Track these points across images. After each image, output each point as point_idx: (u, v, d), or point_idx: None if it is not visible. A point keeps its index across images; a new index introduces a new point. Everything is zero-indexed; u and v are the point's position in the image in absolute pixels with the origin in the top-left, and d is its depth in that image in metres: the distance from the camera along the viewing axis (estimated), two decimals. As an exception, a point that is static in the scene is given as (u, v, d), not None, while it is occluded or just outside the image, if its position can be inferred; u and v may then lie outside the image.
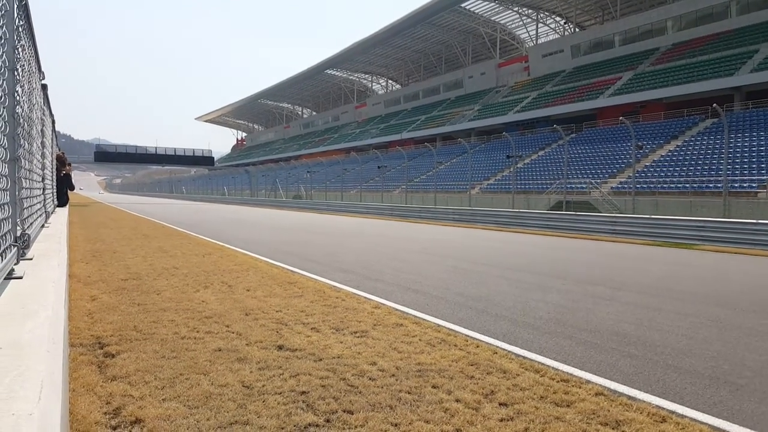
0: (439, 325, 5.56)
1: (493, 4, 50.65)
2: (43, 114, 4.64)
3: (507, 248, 15.16)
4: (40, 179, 3.85)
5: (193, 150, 75.21)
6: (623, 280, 9.20)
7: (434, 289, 7.83)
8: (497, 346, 4.86)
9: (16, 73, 1.96)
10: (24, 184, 2.43)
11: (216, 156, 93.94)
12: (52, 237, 3.44)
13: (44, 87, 4.55)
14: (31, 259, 2.35)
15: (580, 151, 36.08)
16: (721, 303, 7.36)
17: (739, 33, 36.50)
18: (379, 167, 46.28)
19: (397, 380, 3.82)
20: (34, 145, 3.17)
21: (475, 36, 57.80)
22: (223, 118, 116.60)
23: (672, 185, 26.44)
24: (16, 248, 1.97)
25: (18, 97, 2.08)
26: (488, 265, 11.06)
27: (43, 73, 4.00)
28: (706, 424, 3.29)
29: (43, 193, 4.29)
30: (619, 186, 28.71)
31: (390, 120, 68.99)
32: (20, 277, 1.92)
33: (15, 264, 2.00)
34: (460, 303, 6.90)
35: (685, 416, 3.39)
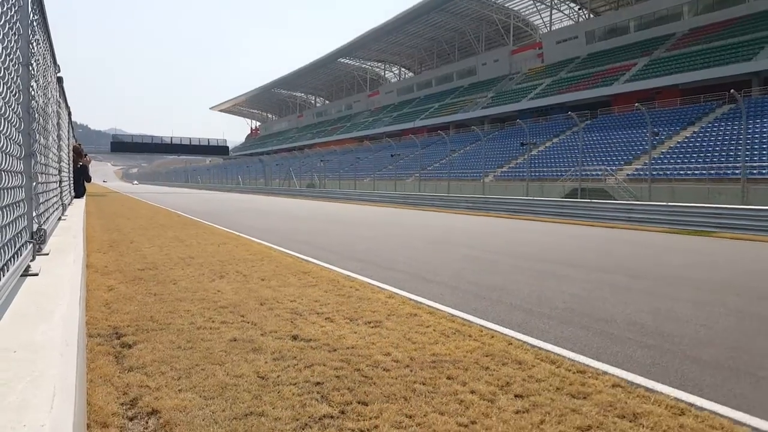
0: (453, 315, 5.54)
1: (506, -12, 49.98)
2: (59, 107, 4.66)
3: (521, 236, 15.06)
4: (57, 172, 3.86)
5: (208, 140, 75.56)
6: (640, 269, 9.10)
7: (448, 279, 7.80)
8: (512, 337, 4.83)
9: (30, 68, 1.95)
10: (40, 179, 2.43)
11: (230, 145, 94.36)
12: (69, 230, 3.44)
13: (60, 80, 4.56)
14: (47, 254, 2.34)
15: (594, 138, 35.63)
16: (740, 292, 7.25)
17: (757, 17, 35.66)
18: (392, 155, 46.14)
19: (411, 371, 3.81)
20: (50, 138, 3.17)
21: (488, 23, 57.12)
22: (237, 107, 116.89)
23: (689, 172, 26.03)
24: (32, 245, 1.96)
25: (33, 92, 2.07)
26: (502, 253, 11.00)
27: (58, 66, 4.00)
28: (725, 417, 3.25)
29: (59, 186, 4.32)
30: (635, 173, 28.34)
31: (403, 108, 68.66)
32: (36, 274, 1.91)
33: (31, 260, 1.99)
34: (474, 292, 6.87)
35: (704, 409, 3.35)
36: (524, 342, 4.69)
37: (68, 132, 6.88)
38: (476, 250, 11.52)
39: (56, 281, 1.86)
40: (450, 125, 55.24)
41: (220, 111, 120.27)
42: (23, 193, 1.81)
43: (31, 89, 1.95)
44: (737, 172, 22.17)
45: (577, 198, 24.68)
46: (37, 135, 2.26)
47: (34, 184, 2.02)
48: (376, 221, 19.99)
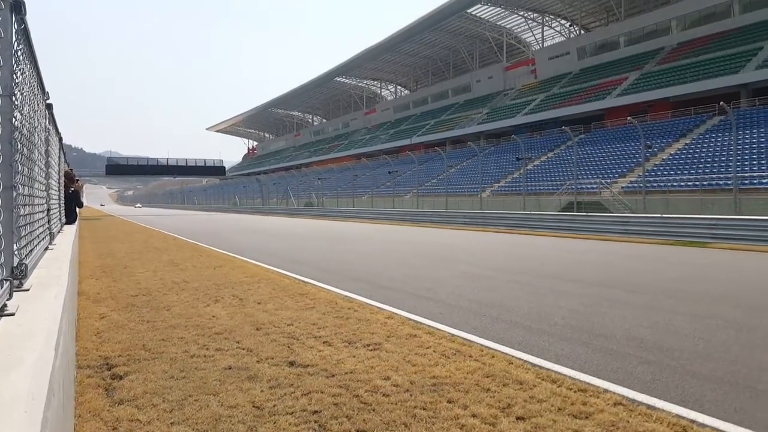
0: (453, 335, 5.53)
1: (499, 9, 50.70)
2: (49, 134, 4.63)
3: (519, 251, 15.08)
4: (44, 201, 3.82)
5: (204, 160, 75.60)
6: (638, 282, 9.11)
7: (447, 297, 7.80)
8: (513, 356, 4.82)
9: (14, 99, 1.93)
10: (23, 211, 2.37)
11: (227, 165, 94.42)
12: (55, 261, 3.37)
13: (49, 107, 4.56)
14: (27, 290, 2.23)
15: (589, 152, 35.89)
16: (737, 303, 7.26)
17: (743, 31, 36.28)
18: (389, 172, 46.27)
19: (411, 395, 3.79)
20: (36, 168, 3.13)
21: (481, 40, 57.84)
22: (234, 127, 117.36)
23: (682, 183, 26.19)
24: (9, 282, 1.88)
25: (16, 122, 2.05)
26: (501, 269, 11.01)
27: (47, 93, 3.99)
28: (727, 433, 3.25)
29: (47, 215, 4.26)
30: (630, 185, 28.50)
31: (400, 125, 69.09)
32: (12, 314, 1.79)
33: (8, 299, 1.88)
34: (474, 310, 6.87)
35: (706, 425, 3.35)
36: (525, 361, 4.68)
37: (59, 158, 6.86)
38: (475, 266, 11.53)
39: (32, 322, 1.74)
40: (446, 141, 55.60)
41: (217, 131, 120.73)
42: (0, 228, 1.73)
43: (14, 120, 1.93)
44: (729, 182, 22.33)
45: (573, 211, 24.77)
46: (20, 166, 2.23)
47: (16, 217, 1.98)
48: (374, 239, 19.99)
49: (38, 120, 3.41)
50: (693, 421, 3.39)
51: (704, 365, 4.58)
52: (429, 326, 5.93)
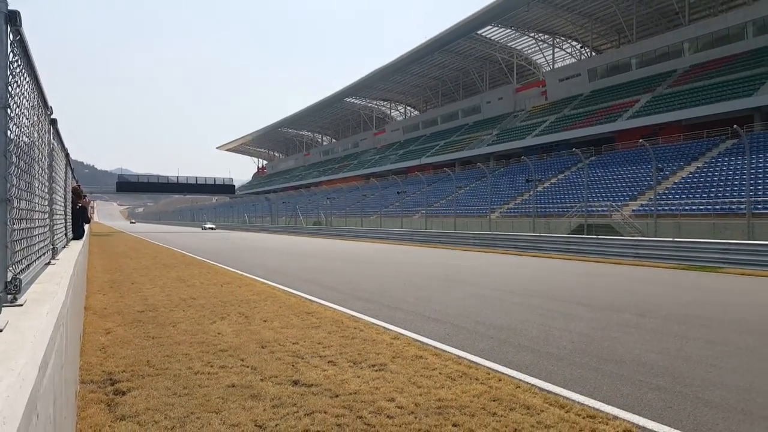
0: (459, 357, 5.45)
1: (509, 30, 51.10)
2: (53, 149, 4.66)
3: (527, 273, 14.95)
4: (45, 216, 3.82)
5: (215, 179, 76.27)
6: (648, 307, 8.97)
7: (455, 318, 7.72)
8: (520, 380, 4.74)
9: (8, 111, 1.92)
10: (18, 225, 2.35)
11: (237, 184, 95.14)
12: (54, 276, 3.35)
13: (53, 122, 4.59)
14: (21, 305, 2.19)
15: (599, 174, 35.75)
16: (749, 330, 7.12)
17: (756, 54, 36.20)
18: (398, 192, 46.35)
19: (416, 418, 3.72)
20: (35, 182, 3.14)
21: (492, 62, 58.25)
22: (243, 146, 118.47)
23: (694, 207, 25.96)
24: None
25: (12, 135, 2.04)
26: (509, 291, 10.91)
27: (50, 108, 4.02)
28: (741, 464, 3.14)
29: (50, 230, 4.27)
30: (640, 209, 28.27)
31: (409, 146, 69.38)
32: (0, 330, 1.72)
33: None
34: (481, 332, 6.78)
35: (719, 455, 3.25)
36: (533, 385, 4.60)
37: (65, 174, 6.90)
38: (483, 287, 11.43)
39: (19, 339, 1.67)
40: (456, 162, 55.67)
41: (227, 150, 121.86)
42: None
43: (8, 132, 1.92)
44: (742, 207, 22.08)
45: (583, 234, 24.58)
46: (16, 180, 2.22)
47: (10, 230, 1.96)
48: (382, 259, 19.94)
49: (39, 134, 3.41)
50: (706, 451, 3.30)
51: (716, 393, 4.47)
52: (435, 348, 5.86)
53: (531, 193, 32.73)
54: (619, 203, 29.87)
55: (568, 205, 31.94)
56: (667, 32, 43.75)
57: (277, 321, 7.08)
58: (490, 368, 5.09)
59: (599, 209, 29.53)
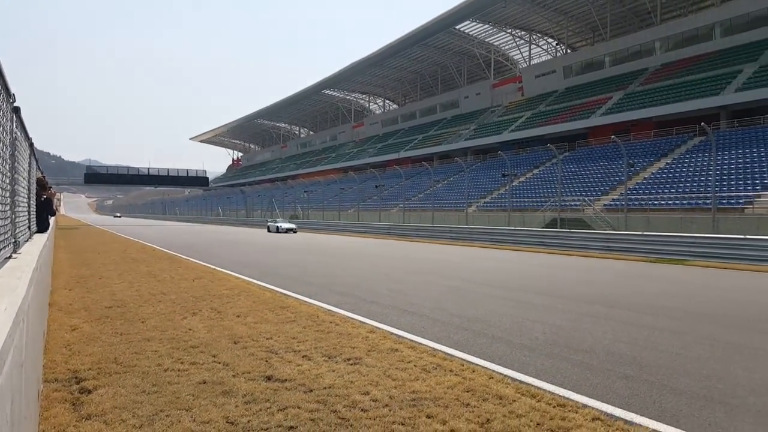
0: (434, 349, 5.52)
1: (487, 26, 51.40)
2: (15, 138, 4.52)
3: (503, 266, 15.16)
4: (6, 207, 3.71)
5: (187, 170, 75.10)
6: (618, 298, 9.20)
7: (430, 311, 7.80)
8: (493, 371, 4.83)
9: None
10: None
11: (211, 176, 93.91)
12: (16, 271, 3.25)
13: (16, 110, 4.44)
14: None
15: (573, 169, 36.35)
16: (714, 320, 7.37)
17: (724, 54, 37.19)
18: (376, 186, 46.38)
19: (390, 410, 3.76)
20: None
21: (470, 57, 58.54)
22: (218, 138, 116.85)
23: (662, 202, 26.62)
24: None
25: None
26: (484, 284, 11.05)
27: (13, 95, 3.90)
28: (701, 448, 3.27)
29: (11, 222, 4.14)
30: (612, 203, 28.87)
31: (387, 139, 69.38)
32: None
33: None
34: (456, 325, 6.88)
35: (681, 440, 3.38)
36: (505, 375, 4.69)
37: (29, 164, 6.70)
38: (459, 280, 11.56)
39: None
40: (434, 156, 55.92)
41: (201, 141, 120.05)
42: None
43: None
44: (708, 202, 22.75)
45: (556, 228, 25.00)
46: None
47: None
48: (359, 252, 19.97)
49: (0, 123, 3.30)
50: (669, 437, 3.42)
51: (681, 380, 4.63)
52: (411, 340, 5.92)
53: (507, 187, 33.11)
54: (592, 198, 30.45)
55: (543, 199, 32.42)
56: (640, 31, 44.59)
57: (251, 316, 7.05)
58: (464, 360, 5.18)
59: (572, 204, 30.05)
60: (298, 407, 3.78)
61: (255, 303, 8.06)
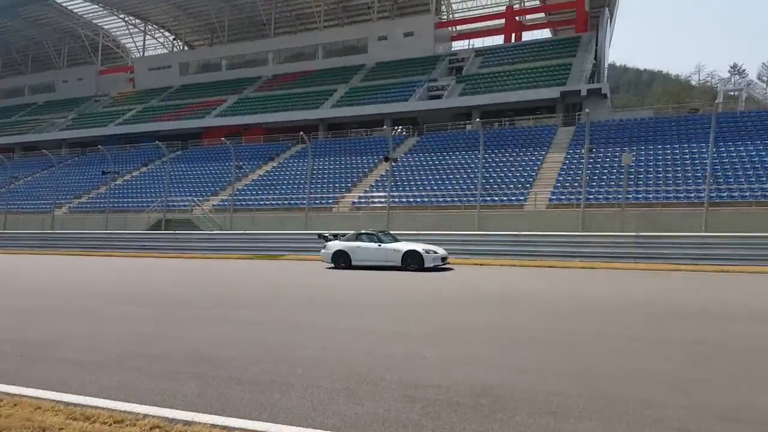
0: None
1: (96, 6, 46.42)
2: None
3: (88, 276, 13.70)
4: None
5: None
6: (216, 298, 9.37)
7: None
8: (44, 399, 4.09)
9: None
10: None
11: None
12: None
13: None
14: None
15: (184, 169, 36.10)
16: (313, 306, 8.23)
17: (324, 73, 43.52)
18: None
19: None
20: None
21: (72, 37, 51.39)
22: None
23: (267, 202, 29.11)
24: None
25: None
26: (64, 296, 9.65)
27: None
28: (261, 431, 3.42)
29: None
30: (221, 204, 29.90)
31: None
32: None
33: None
34: (7, 352, 5.66)
35: (236, 428, 3.46)
36: (57, 401, 4.02)
37: None
38: (22, 298, 9.76)
39: None
40: (16, 147, 46.67)
41: None
42: None
43: None
44: (303, 202, 26.08)
45: (161, 229, 24.26)
46: None
47: None
48: None
49: None
50: (226, 427, 3.47)
51: (249, 370, 4.85)
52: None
53: (108, 186, 30.31)
54: (201, 198, 30.83)
55: (150, 199, 31.07)
56: (256, 40, 47.80)
57: None
58: (7, 393, 4.24)
59: (181, 204, 29.75)
60: None
61: None
